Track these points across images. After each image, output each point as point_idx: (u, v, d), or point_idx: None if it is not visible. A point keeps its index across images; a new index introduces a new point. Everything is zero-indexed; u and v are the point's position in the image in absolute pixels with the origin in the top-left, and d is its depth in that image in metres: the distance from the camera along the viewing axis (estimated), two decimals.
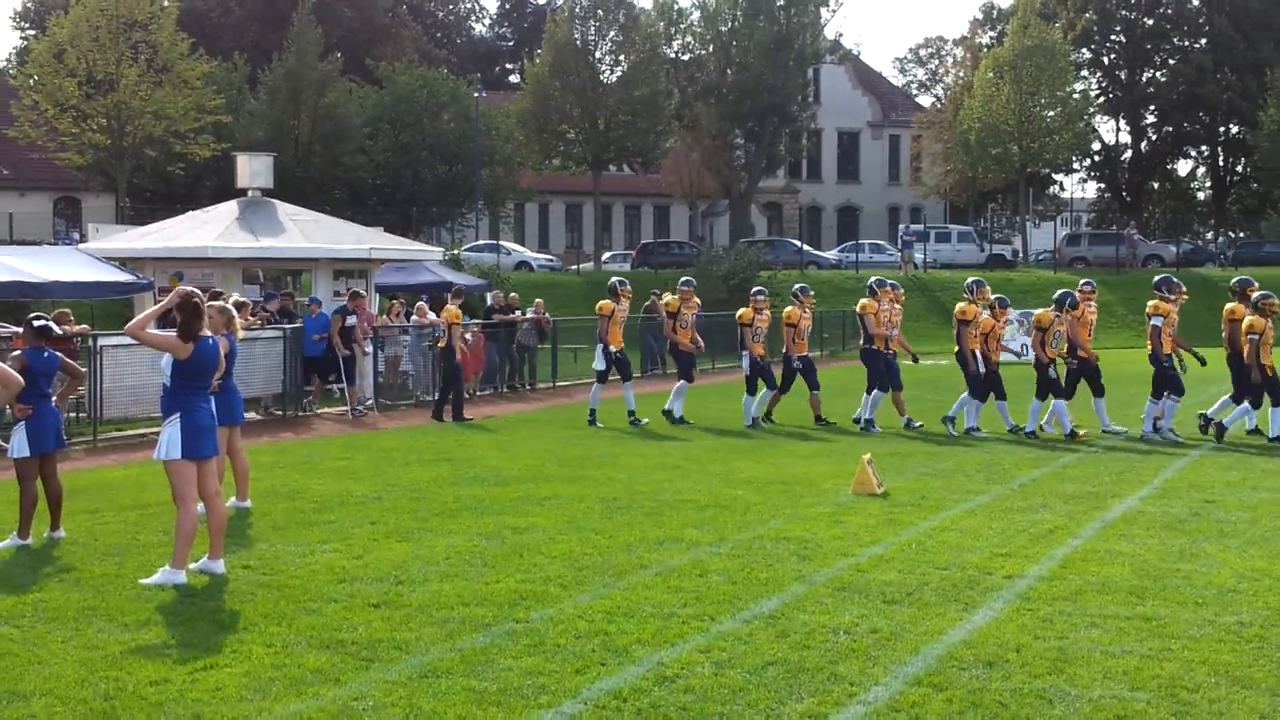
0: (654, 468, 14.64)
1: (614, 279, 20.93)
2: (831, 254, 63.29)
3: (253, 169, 27.81)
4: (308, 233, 26.75)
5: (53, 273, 20.86)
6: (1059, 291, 18.30)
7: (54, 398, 10.81)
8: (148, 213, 44.74)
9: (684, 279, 21.38)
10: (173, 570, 8.85)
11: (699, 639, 7.39)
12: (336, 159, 54.40)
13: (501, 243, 57.40)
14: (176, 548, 8.92)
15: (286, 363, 20.79)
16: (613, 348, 19.75)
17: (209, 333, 9.33)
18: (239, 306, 11.87)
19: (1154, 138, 77.17)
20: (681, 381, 20.04)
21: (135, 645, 7.35)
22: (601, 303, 20.15)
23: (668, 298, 21.40)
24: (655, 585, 8.69)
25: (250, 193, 27.57)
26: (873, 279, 19.98)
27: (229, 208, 27.49)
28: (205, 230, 25.89)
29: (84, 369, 16.05)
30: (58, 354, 10.83)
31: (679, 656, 7.05)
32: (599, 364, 19.98)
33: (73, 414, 18.26)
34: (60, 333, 10.91)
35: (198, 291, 9.31)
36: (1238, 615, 7.87)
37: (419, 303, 26.90)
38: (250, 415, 18.13)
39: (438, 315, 23.31)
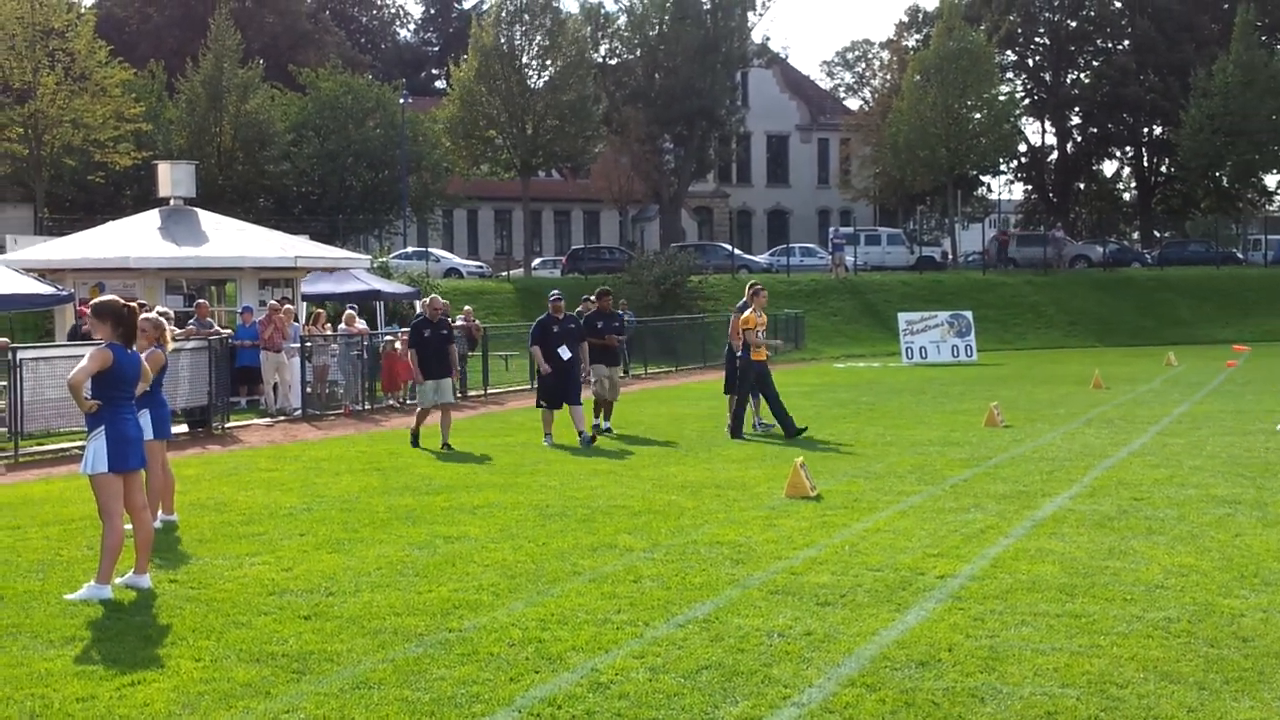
0: (587, 474, 14.59)
1: None
2: (762, 258, 63.61)
3: (174, 177, 27.58)
4: (231, 241, 26.52)
5: None
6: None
7: None
8: (67, 223, 44.03)
9: None
10: (98, 585, 8.71)
11: (633, 645, 7.37)
12: (260, 166, 53.90)
13: (430, 250, 57.11)
14: (102, 563, 8.77)
15: (212, 373, 20.50)
16: None
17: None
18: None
19: (1079, 139, 78.28)
20: None
21: (61, 662, 7.21)
22: None
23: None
24: (589, 592, 8.66)
25: (172, 201, 27.32)
26: None
27: (150, 217, 27.22)
28: (126, 240, 25.62)
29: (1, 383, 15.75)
30: None
31: (613, 663, 7.02)
32: None
33: None
34: None
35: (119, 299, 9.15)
36: (1165, 611, 7.96)
37: (347, 311, 26.72)
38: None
39: (368, 324, 22.97)
